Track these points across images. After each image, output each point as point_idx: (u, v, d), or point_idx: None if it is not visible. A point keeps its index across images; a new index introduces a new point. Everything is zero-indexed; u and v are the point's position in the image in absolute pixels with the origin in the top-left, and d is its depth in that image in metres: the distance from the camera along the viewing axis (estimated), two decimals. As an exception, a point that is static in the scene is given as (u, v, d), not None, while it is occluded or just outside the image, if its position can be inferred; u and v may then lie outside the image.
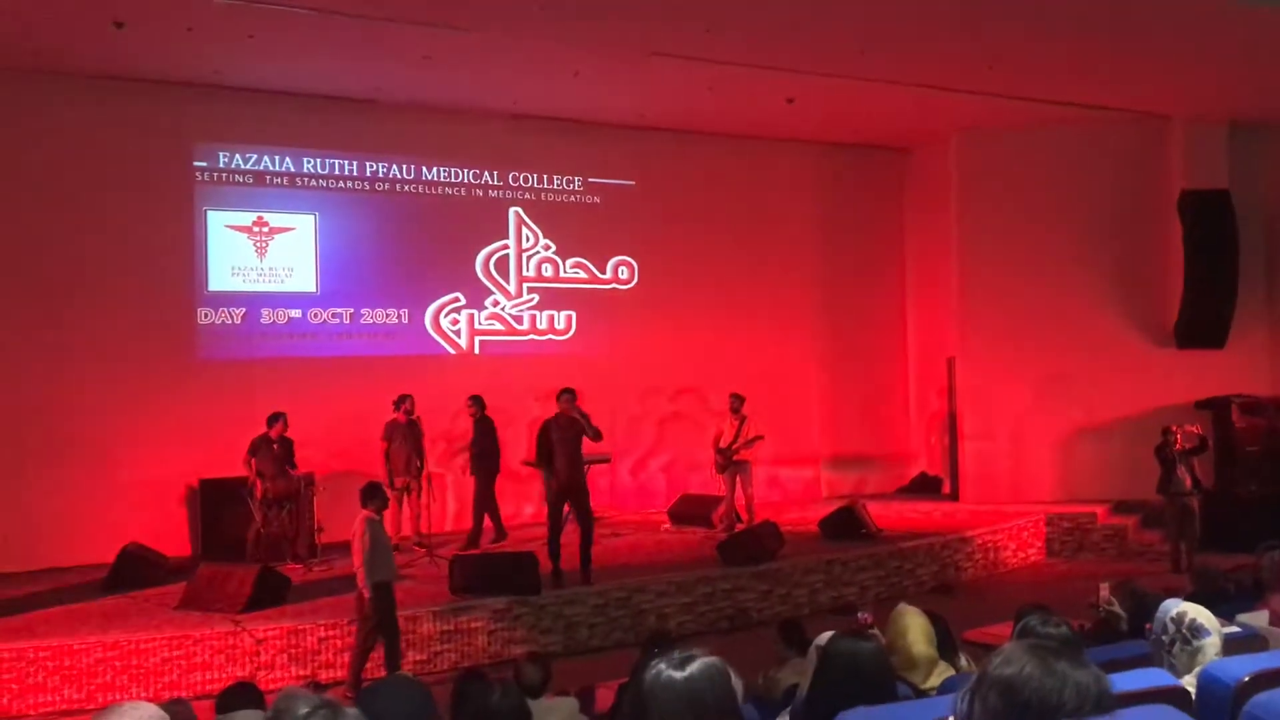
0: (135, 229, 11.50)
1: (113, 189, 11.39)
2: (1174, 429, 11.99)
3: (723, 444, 12.30)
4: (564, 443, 9.86)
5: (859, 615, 5.34)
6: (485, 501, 11.70)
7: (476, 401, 11.82)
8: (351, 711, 1.91)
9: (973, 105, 12.96)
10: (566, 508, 10.05)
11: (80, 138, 11.24)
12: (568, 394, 9.97)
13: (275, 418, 10.85)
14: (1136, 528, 13.22)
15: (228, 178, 12.10)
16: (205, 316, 11.95)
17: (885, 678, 3.37)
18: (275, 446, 10.81)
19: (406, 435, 11.52)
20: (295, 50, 10.67)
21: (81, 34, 9.97)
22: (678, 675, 2.10)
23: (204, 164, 11.96)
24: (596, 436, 9.99)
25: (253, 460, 10.72)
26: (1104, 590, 6.17)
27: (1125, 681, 2.83)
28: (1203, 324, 13.69)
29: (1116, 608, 5.89)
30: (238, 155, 12.13)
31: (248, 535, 10.63)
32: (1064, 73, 11.78)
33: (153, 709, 1.89)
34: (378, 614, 8.02)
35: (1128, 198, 14.06)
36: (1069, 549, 13.30)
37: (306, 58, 10.92)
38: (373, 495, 8.27)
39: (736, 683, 2.12)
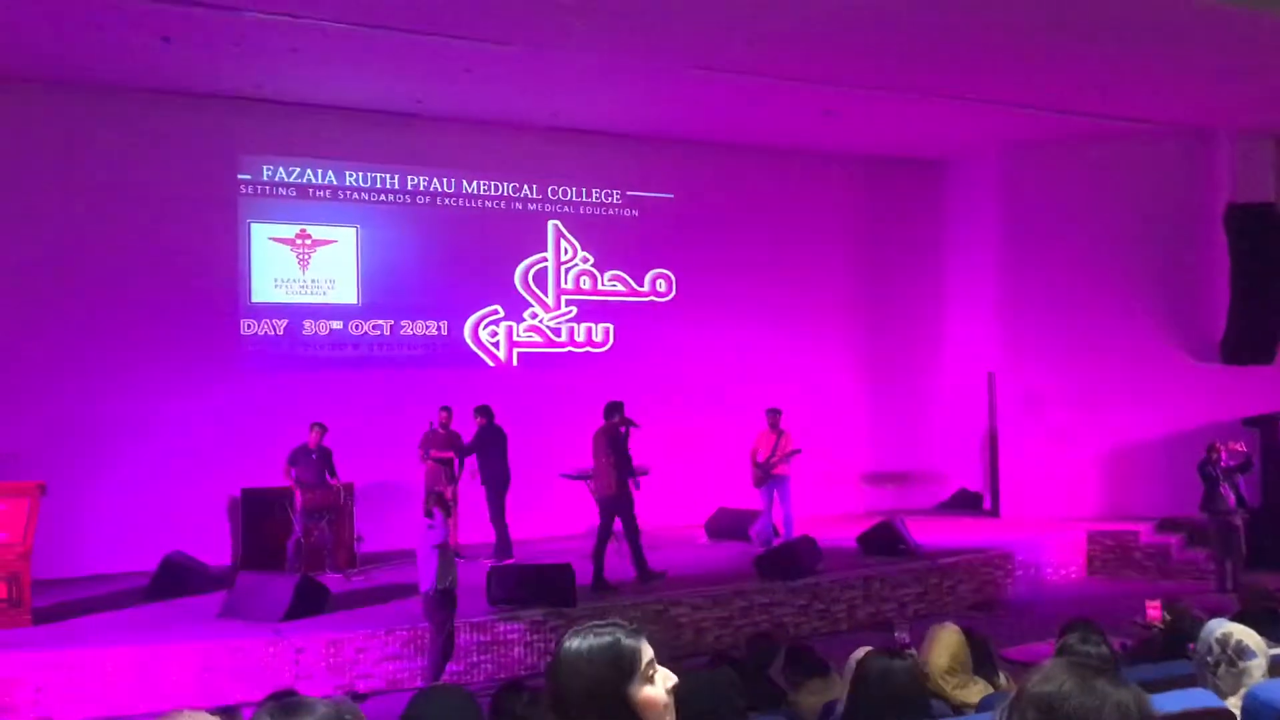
0: (180, 241, 11.65)
1: (158, 202, 11.56)
2: (1219, 445, 11.80)
3: (760, 458, 12.24)
4: (604, 456, 10.04)
5: (896, 635, 5.29)
6: (498, 512, 11.62)
7: (483, 411, 11.62)
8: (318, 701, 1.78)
9: (1014, 118, 12.87)
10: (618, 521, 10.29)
11: (126, 151, 11.42)
12: (611, 407, 10.25)
13: (313, 427, 10.94)
14: (1180, 546, 12.99)
15: (271, 190, 12.25)
16: (248, 328, 12.09)
17: (919, 695, 3.36)
18: (314, 456, 10.90)
19: (443, 446, 11.58)
20: (338, 64, 10.79)
21: (129, 49, 10.13)
22: (570, 644, 1.98)
23: (248, 177, 12.11)
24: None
25: (292, 470, 10.83)
26: (1152, 609, 6.08)
27: (1169, 702, 2.79)
28: (1250, 339, 13.46)
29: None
30: (281, 168, 12.27)
31: (287, 544, 10.72)
32: (1108, 86, 11.66)
33: (206, 718, 1.88)
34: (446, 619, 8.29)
35: (1173, 211, 13.86)
36: (1111, 567, 13.11)
37: (349, 72, 11.02)
38: (436, 504, 8.44)
39: (646, 651, 1.93)
